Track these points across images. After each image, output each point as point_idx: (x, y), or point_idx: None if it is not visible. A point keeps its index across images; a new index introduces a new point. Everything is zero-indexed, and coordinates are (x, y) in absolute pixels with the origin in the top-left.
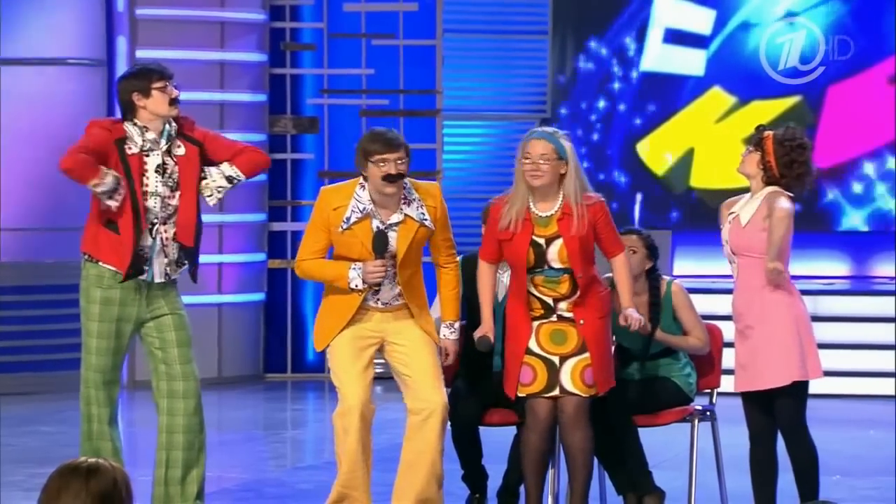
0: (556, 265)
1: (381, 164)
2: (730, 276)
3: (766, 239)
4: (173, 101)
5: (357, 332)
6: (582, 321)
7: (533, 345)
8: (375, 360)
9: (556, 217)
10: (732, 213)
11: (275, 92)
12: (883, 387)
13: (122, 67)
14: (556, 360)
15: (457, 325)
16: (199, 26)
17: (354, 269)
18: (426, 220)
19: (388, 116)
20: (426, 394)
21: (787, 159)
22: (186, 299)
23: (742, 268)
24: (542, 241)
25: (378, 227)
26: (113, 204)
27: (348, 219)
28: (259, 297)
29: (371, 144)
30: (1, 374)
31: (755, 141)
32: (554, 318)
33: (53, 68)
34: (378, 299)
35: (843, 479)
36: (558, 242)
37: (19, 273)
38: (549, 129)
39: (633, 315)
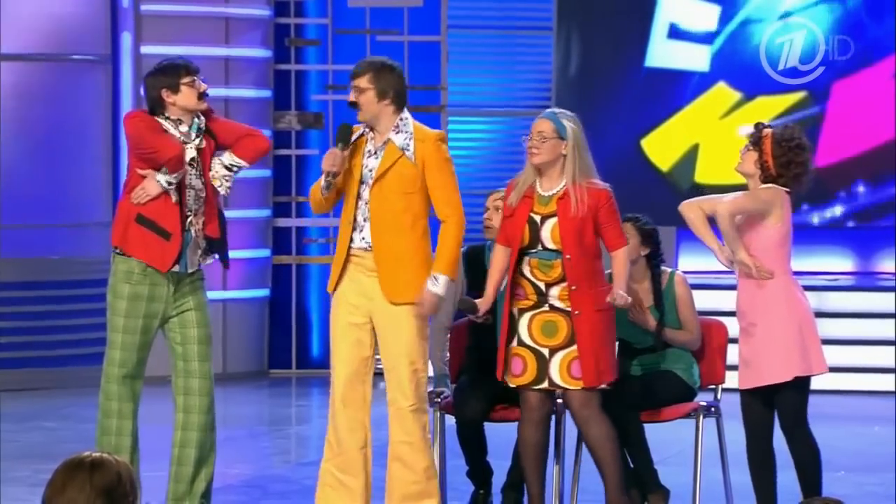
0: (550, 245)
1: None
2: (734, 273)
3: (763, 235)
4: (202, 96)
5: (349, 313)
6: (577, 312)
7: (525, 335)
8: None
9: (558, 196)
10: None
11: (279, 88)
12: (883, 383)
13: (126, 63)
14: (545, 351)
15: (441, 279)
16: (203, 22)
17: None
18: (408, 150)
19: None
20: (395, 383)
21: (784, 159)
22: None
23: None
24: (538, 217)
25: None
26: (153, 191)
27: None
28: (264, 293)
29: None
30: (3, 370)
31: (754, 139)
32: (546, 307)
33: (57, 64)
34: (363, 237)
35: (847, 475)
36: (552, 221)
37: (21, 269)
38: (558, 110)
39: (619, 293)
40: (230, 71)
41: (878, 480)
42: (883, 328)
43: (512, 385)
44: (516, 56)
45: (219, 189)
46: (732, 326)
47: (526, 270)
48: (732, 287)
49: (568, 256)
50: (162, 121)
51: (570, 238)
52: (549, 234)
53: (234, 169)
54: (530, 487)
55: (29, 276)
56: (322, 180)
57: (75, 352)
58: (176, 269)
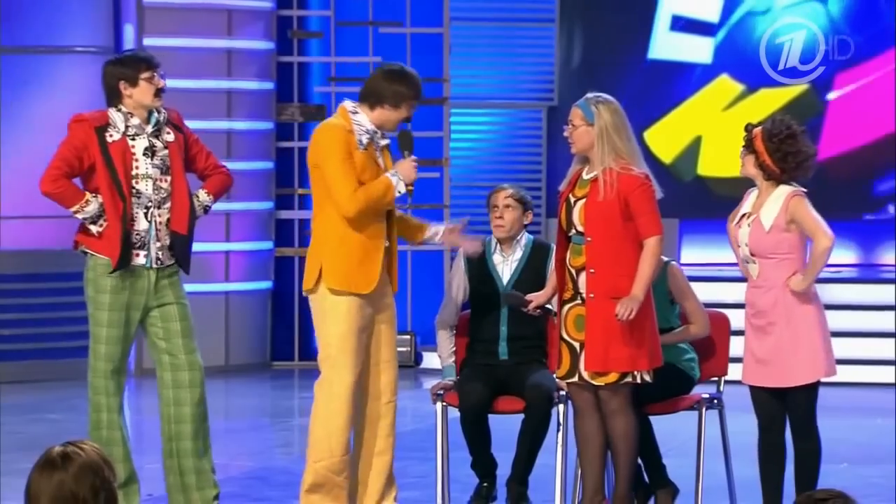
0: (579, 227)
1: (409, 108)
2: (737, 264)
3: (789, 240)
4: (159, 92)
5: (367, 315)
6: (592, 295)
7: (562, 329)
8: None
9: (592, 180)
10: (745, 213)
11: (282, 80)
12: (885, 375)
13: None
14: (577, 346)
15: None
16: (206, 14)
17: (393, 174)
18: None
19: None
20: (387, 378)
21: (779, 154)
22: (194, 287)
23: (765, 268)
24: (573, 200)
25: (402, 130)
26: (95, 229)
27: (360, 141)
28: (266, 285)
29: (410, 89)
30: (7, 362)
31: (746, 143)
32: (579, 299)
33: (60, 56)
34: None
35: (849, 467)
36: (582, 202)
37: (24, 261)
38: (590, 96)
39: (623, 304)
40: (233, 63)
41: (879, 472)
42: (884, 320)
43: (557, 378)
44: (519, 48)
45: None
46: (735, 318)
47: (566, 257)
48: (734, 279)
49: (589, 238)
50: (112, 113)
51: (593, 220)
52: (577, 216)
53: (208, 210)
54: (583, 480)
55: (31, 267)
56: (398, 188)
57: (78, 343)
58: (142, 263)
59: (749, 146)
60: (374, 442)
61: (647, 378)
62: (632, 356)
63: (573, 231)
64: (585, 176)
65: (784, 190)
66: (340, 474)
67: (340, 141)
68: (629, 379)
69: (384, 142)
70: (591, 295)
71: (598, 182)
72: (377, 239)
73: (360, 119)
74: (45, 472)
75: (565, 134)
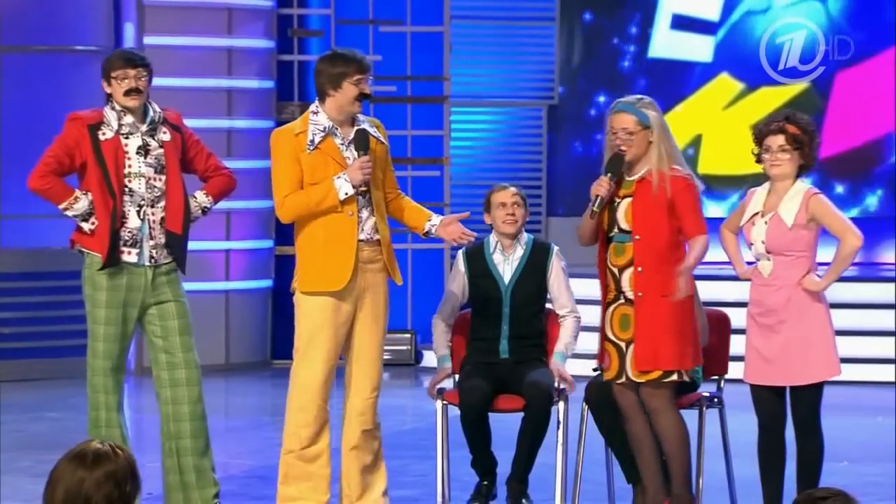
0: (623, 226)
1: (359, 83)
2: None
3: (806, 237)
4: (129, 92)
5: (338, 310)
6: (641, 294)
7: (608, 330)
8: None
9: (637, 180)
10: (758, 211)
11: (282, 78)
12: (885, 373)
13: None
14: (623, 345)
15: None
16: (206, 12)
17: (338, 177)
18: (379, 135)
19: (396, 103)
20: (369, 374)
21: (815, 143)
22: (194, 286)
23: (780, 266)
24: (617, 200)
25: (357, 128)
26: (87, 227)
27: (312, 141)
28: (266, 283)
29: (349, 65)
30: (7, 361)
31: (794, 140)
32: (622, 299)
33: (60, 55)
34: (363, 228)
35: (849, 466)
36: (627, 201)
37: (23, 259)
38: (632, 99)
39: (681, 279)
40: (233, 62)
41: (880, 471)
42: (884, 319)
43: (605, 380)
44: (519, 47)
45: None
46: (735, 317)
47: (608, 257)
48: (734, 278)
49: (637, 237)
50: (107, 111)
51: (641, 219)
52: (622, 214)
53: (207, 212)
54: (643, 481)
55: (31, 266)
56: (342, 191)
57: (77, 342)
58: (134, 261)
59: (798, 144)
60: (352, 437)
61: (686, 378)
62: (679, 354)
63: (615, 230)
64: (629, 177)
65: (800, 187)
66: (314, 462)
67: (282, 146)
68: (674, 377)
69: (352, 135)
70: (640, 294)
71: (648, 182)
72: (343, 239)
73: (318, 118)
74: (72, 464)
75: (617, 142)
